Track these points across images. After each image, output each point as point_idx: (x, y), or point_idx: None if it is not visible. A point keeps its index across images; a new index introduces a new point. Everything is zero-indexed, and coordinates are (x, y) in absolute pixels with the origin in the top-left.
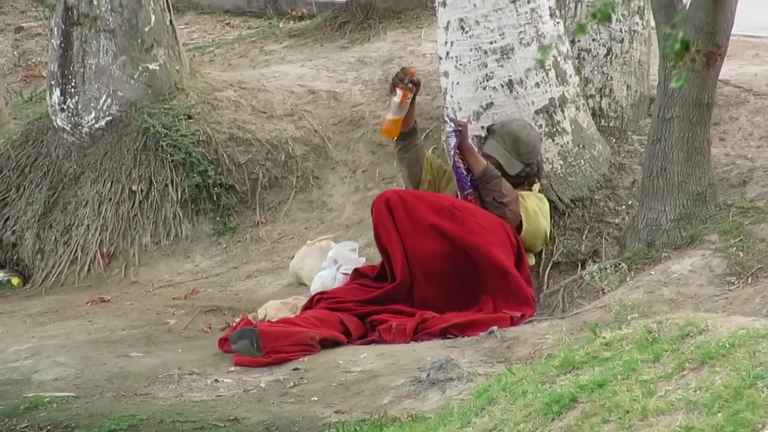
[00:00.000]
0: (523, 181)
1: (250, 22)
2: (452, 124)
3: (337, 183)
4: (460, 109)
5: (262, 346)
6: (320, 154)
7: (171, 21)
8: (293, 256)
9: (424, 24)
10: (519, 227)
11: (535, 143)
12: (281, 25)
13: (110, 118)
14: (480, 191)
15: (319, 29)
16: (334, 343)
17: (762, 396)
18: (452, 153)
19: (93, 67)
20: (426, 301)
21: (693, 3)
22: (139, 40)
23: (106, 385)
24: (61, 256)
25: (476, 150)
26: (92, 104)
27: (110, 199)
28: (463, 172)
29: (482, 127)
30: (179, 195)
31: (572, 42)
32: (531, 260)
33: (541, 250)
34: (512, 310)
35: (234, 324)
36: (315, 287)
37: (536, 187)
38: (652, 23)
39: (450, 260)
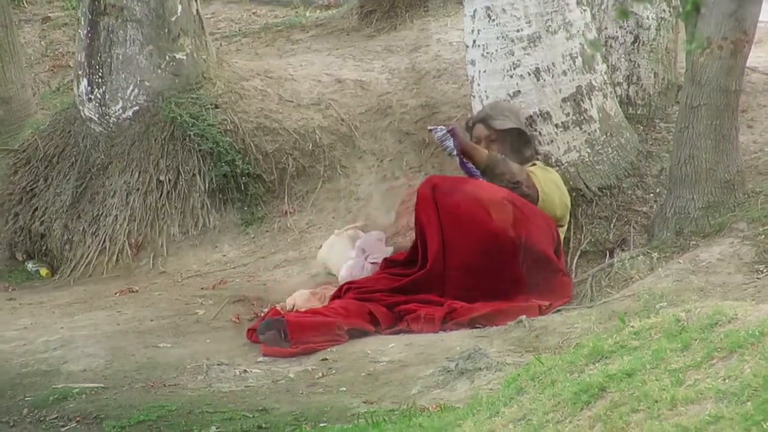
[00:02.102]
0: (530, 156)
1: (277, 12)
2: (442, 128)
3: (365, 172)
4: (488, 98)
5: (290, 337)
6: (347, 143)
7: (197, 10)
8: (321, 246)
9: (450, 12)
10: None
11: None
12: (308, 14)
13: (137, 107)
14: (493, 179)
15: (346, 18)
16: (362, 333)
17: None
18: (455, 154)
19: (120, 56)
20: (457, 292)
21: None
22: (166, 30)
23: (135, 376)
24: (89, 247)
25: (473, 143)
26: (119, 94)
27: (138, 189)
28: (472, 167)
29: (466, 124)
30: (207, 185)
31: (599, 30)
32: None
33: (569, 239)
34: (550, 300)
35: (262, 314)
36: (343, 277)
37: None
38: (680, 10)
39: (486, 255)
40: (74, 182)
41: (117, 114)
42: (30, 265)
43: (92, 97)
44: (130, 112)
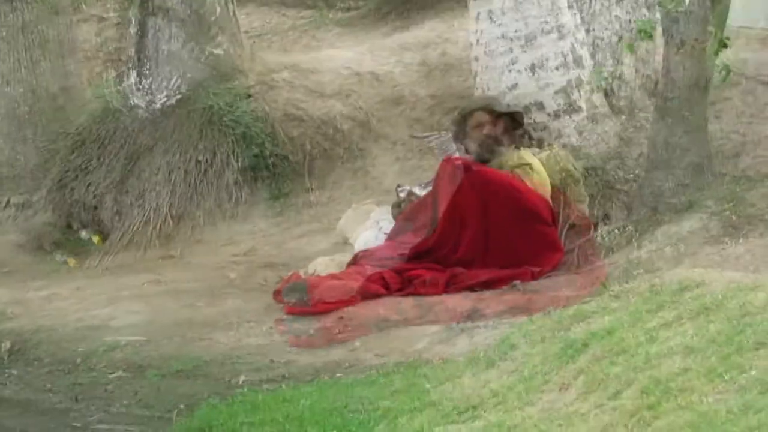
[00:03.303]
0: (521, 134)
1: (304, 13)
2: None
3: (379, 154)
4: (489, 89)
5: (311, 298)
6: (365, 128)
7: (234, 11)
8: (340, 218)
9: (457, 15)
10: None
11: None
12: (331, 15)
13: (179, 96)
14: None
15: (365, 18)
16: (375, 295)
17: (750, 342)
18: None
19: (165, 52)
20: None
21: None
22: (206, 28)
23: (174, 331)
24: (135, 218)
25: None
26: (164, 84)
27: (179, 168)
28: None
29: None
30: (239, 164)
31: (587, 31)
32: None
33: (560, 215)
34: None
35: (286, 278)
36: (359, 246)
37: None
38: (658, 15)
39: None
40: (123, 161)
41: (161, 102)
42: (84, 233)
43: (140, 87)
44: (173, 101)
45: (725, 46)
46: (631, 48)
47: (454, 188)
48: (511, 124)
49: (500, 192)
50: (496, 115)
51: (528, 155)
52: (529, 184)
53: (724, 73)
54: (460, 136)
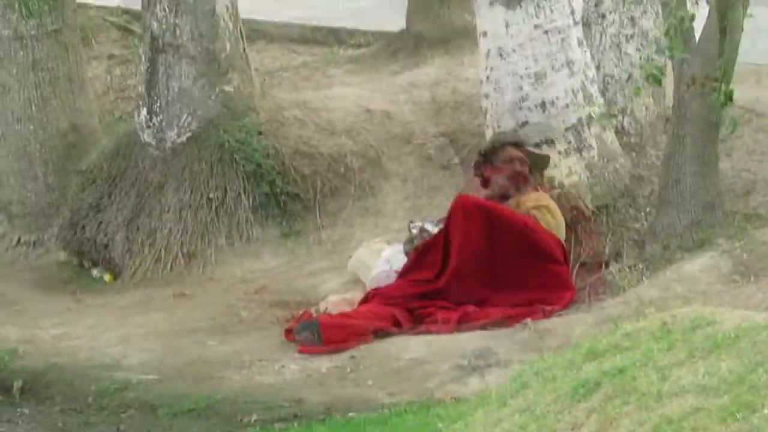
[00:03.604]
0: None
1: (314, 50)
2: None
3: (390, 192)
4: (499, 127)
5: (323, 337)
6: (375, 166)
7: (244, 48)
8: (351, 257)
9: (467, 52)
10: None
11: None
12: (341, 52)
13: (190, 134)
14: None
15: (375, 56)
16: (386, 334)
17: (762, 380)
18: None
19: (176, 89)
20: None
21: (702, 35)
22: (216, 66)
23: (186, 370)
24: (146, 256)
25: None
26: (175, 122)
27: (190, 206)
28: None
29: (479, 153)
30: (251, 202)
31: (597, 68)
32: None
33: (570, 252)
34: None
35: (297, 317)
36: (370, 284)
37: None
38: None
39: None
40: (134, 199)
41: (172, 139)
42: (95, 272)
43: (151, 124)
44: (183, 138)
45: (731, 99)
46: (640, 92)
47: (467, 226)
48: (538, 164)
49: (513, 231)
50: (526, 154)
51: (545, 197)
52: (545, 226)
53: (731, 127)
54: (484, 166)
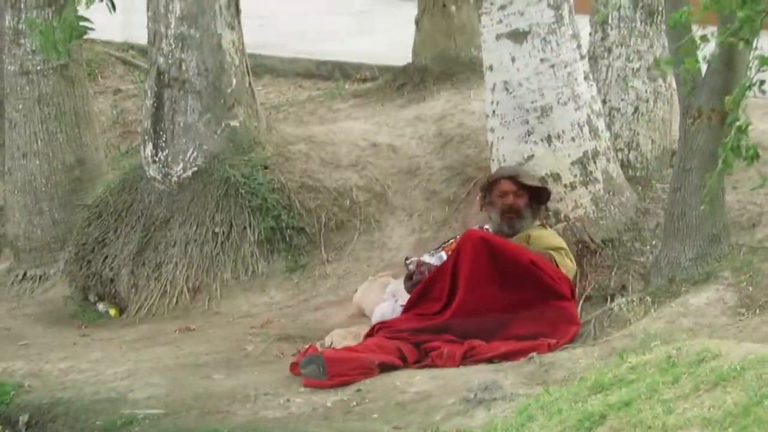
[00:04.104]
0: (542, 212)
1: (320, 84)
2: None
3: (396, 226)
4: (505, 160)
5: (328, 370)
6: (381, 200)
7: (250, 83)
8: (357, 291)
9: (473, 86)
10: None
11: None
12: (347, 86)
13: (196, 168)
14: None
15: (381, 90)
16: (391, 367)
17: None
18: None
19: (181, 123)
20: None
21: (708, 68)
22: (222, 100)
23: (192, 404)
24: (152, 290)
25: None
26: (180, 156)
27: (196, 240)
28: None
29: (480, 188)
30: (256, 236)
31: (604, 101)
32: None
33: (576, 285)
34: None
35: (303, 351)
36: (375, 318)
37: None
38: (674, 85)
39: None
40: (140, 233)
41: (178, 174)
42: (101, 306)
43: (156, 159)
44: (189, 173)
45: (757, 156)
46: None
47: (474, 260)
48: (536, 199)
49: (520, 267)
50: (522, 187)
51: (560, 238)
52: (563, 270)
53: (760, 182)
54: (485, 202)
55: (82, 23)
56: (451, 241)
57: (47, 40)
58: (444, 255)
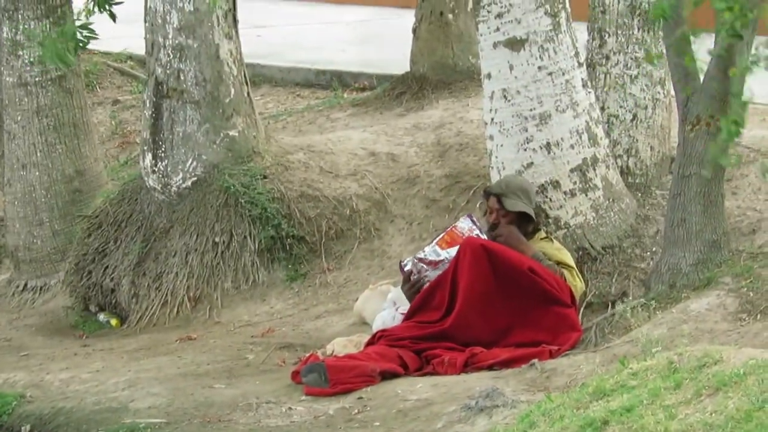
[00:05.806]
0: (531, 230)
1: (318, 94)
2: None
3: (396, 234)
4: (504, 168)
5: (330, 378)
6: (380, 208)
7: (248, 93)
8: (357, 299)
9: (471, 94)
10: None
11: (533, 188)
12: (345, 95)
13: (195, 178)
14: None
15: (379, 99)
16: (393, 375)
17: None
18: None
19: (180, 134)
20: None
21: (706, 74)
22: (221, 110)
23: (194, 413)
24: (153, 300)
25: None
26: (180, 167)
27: (196, 250)
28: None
29: (483, 193)
30: (256, 245)
31: (602, 109)
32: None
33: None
34: (562, 335)
35: (304, 359)
36: (376, 326)
37: (539, 235)
38: (672, 92)
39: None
40: (140, 244)
41: (177, 184)
42: (101, 316)
43: (156, 169)
44: (189, 183)
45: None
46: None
47: (474, 267)
48: (523, 220)
49: (519, 274)
50: (508, 210)
51: (567, 255)
52: (572, 288)
53: (734, 158)
54: (482, 210)
55: (86, 34)
56: (443, 234)
57: (49, 51)
58: (438, 249)
